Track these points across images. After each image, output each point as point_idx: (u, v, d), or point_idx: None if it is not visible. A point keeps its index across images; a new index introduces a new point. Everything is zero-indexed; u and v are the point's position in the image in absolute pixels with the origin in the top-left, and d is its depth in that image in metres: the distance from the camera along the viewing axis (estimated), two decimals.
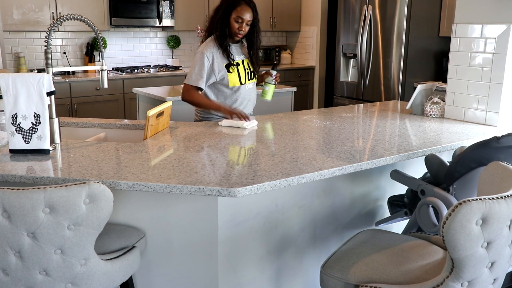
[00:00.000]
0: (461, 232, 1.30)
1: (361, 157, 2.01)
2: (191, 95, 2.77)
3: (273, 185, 1.68)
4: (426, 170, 2.18)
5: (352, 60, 5.53)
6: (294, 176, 1.74)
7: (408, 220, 2.14)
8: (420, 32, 4.87)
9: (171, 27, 5.71)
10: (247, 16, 2.72)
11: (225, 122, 2.59)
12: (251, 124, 2.57)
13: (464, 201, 1.30)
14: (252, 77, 2.91)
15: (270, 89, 2.85)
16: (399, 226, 2.44)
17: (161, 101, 3.73)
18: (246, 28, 2.75)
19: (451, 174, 1.92)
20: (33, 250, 1.43)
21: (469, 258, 1.34)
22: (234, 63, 2.79)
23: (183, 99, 2.81)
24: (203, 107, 2.83)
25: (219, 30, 2.73)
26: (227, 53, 2.75)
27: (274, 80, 2.86)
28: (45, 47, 2.13)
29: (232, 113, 2.63)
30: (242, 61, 2.85)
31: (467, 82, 2.74)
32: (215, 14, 2.78)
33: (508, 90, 2.61)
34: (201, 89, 2.78)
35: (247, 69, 2.87)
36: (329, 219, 2.28)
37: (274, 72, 2.86)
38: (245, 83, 2.85)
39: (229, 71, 2.77)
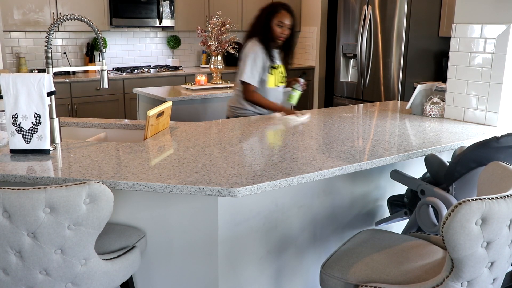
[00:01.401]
0: (461, 232, 1.30)
1: (361, 157, 2.01)
2: (254, 96, 2.98)
3: (273, 185, 1.68)
4: (426, 170, 2.19)
5: (352, 60, 5.53)
6: (294, 176, 1.74)
7: (408, 220, 2.14)
8: (420, 32, 4.87)
9: (171, 27, 5.71)
10: (287, 21, 2.97)
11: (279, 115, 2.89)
12: (304, 117, 2.83)
13: (464, 201, 1.31)
14: (283, 81, 3.18)
15: (297, 95, 3.09)
16: (399, 226, 2.44)
17: (161, 101, 3.74)
18: (287, 32, 3.00)
19: (451, 174, 1.92)
20: (33, 250, 1.43)
21: (468, 258, 1.34)
22: (275, 66, 3.04)
23: (246, 99, 3.00)
24: (266, 108, 3.01)
25: (262, 35, 2.97)
26: (271, 56, 2.99)
27: (301, 87, 3.09)
28: (46, 47, 2.14)
29: (289, 112, 2.90)
30: (279, 66, 3.09)
31: (467, 82, 2.75)
32: (257, 21, 3.02)
33: (508, 90, 2.61)
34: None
35: (281, 73, 3.12)
36: (329, 219, 2.29)
37: (302, 80, 3.11)
38: (277, 86, 3.11)
39: (270, 73, 3.00)
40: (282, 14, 2.96)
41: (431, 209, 1.95)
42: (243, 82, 2.98)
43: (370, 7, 5.05)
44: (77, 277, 1.50)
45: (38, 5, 4.85)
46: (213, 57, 4.36)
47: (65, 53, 5.40)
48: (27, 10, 4.80)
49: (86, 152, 2.03)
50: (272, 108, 2.98)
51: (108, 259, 1.64)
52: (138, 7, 5.37)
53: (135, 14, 5.37)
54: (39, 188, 1.39)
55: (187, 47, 6.24)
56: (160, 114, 2.38)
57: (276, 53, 3.07)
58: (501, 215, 1.33)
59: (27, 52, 5.19)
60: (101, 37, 2.26)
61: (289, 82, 3.21)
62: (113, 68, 5.62)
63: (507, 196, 1.35)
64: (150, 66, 5.79)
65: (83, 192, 1.41)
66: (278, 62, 3.09)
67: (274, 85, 3.07)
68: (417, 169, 2.51)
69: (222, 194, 1.61)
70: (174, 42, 6.03)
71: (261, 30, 2.98)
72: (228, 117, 3.16)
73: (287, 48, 3.12)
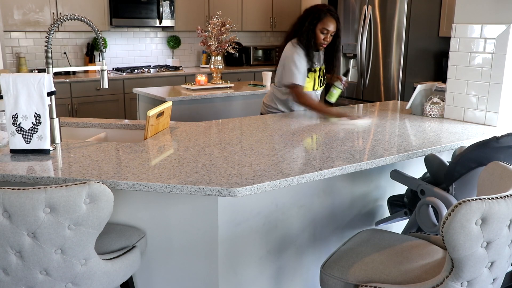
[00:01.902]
0: (461, 232, 1.30)
1: (361, 157, 2.01)
2: (306, 99, 2.89)
3: (273, 185, 1.68)
4: (426, 170, 2.19)
5: (352, 60, 5.53)
6: (294, 176, 1.74)
7: (408, 220, 2.14)
8: (420, 32, 4.87)
9: (171, 27, 5.71)
10: (332, 27, 2.88)
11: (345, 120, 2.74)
12: (366, 122, 2.71)
13: (464, 201, 1.31)
14: (322, 85, 3.13)
15: (337, 93, 3.07)
16: (399, 226, 2.44)
17: (161, 101, 3.74)
18: (330, 39, 2.93)
19: (450, 174, 1.92)
20: (33, 250, 1.43)
21: (468, 258, 1.34)
22: (313, 70, 2.98)
23: (299, 103, 2.93)
24: (316, 110, 2.89)
25: (305, 39, 2.89)
26: (311, 61, 2.94)
27: (343, 85, 3.07)
28: (46, 47, 2.14)
29: (345, 115, 2.78)
30: (319, 69, 3.05)
31: (467, 82, 2.75)
32: (299, 23, 2.94)
33: (508, 90, 2.61)
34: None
35: (321, 76, 3.07)
36: (329, 219, 2.29)
37: (344, 78, 3.08)
38: (316, 90, 3.06)
39: (308, 77, 2.96)
40: (328, 20, 2.86)
41: (431, 209, 1.95)
42: (293, 85, 2.88)
43: (370, 7, 5.05)
44: (77, 277, 1.50)
45: (38, 5, 4.85)
46: (213, 57, 4.36)
47: (65, 53, 5.40)
48: (27, 10, 4.80)
49: (86, 152, 2.03)
50: (326, 112, 2.84)
51: (108, 259, 1.64)
52: (138, 7, 5.37)
53: (135, 14, 5.38)
54: (39, 188, 1.39)
55: (187, 47, 6.24)
56: (160, 114, 2.38)
57: (316, 56, 3.00)
58: (501, 215, 1.33)
59: (27, 52, 5.19)
60: (101, 37, 2.26)
61: (330, 79, 3.15)
62: (113, 68, 5.62)
63: (507, 196, 1.35)
64: (150, 66, 5.79)
65: (83, 192, 1.41)
66: (318, 65, 3.02)
67: (312, 89, 3.02)
68: (417, 169, 2.51)
69: (222, 194, 1.61)
70: (174, 42, 6.03)
71: (304, 34, 2.89)
72: (262, 114, 3.16)
73: (331, 52, 3.03)
